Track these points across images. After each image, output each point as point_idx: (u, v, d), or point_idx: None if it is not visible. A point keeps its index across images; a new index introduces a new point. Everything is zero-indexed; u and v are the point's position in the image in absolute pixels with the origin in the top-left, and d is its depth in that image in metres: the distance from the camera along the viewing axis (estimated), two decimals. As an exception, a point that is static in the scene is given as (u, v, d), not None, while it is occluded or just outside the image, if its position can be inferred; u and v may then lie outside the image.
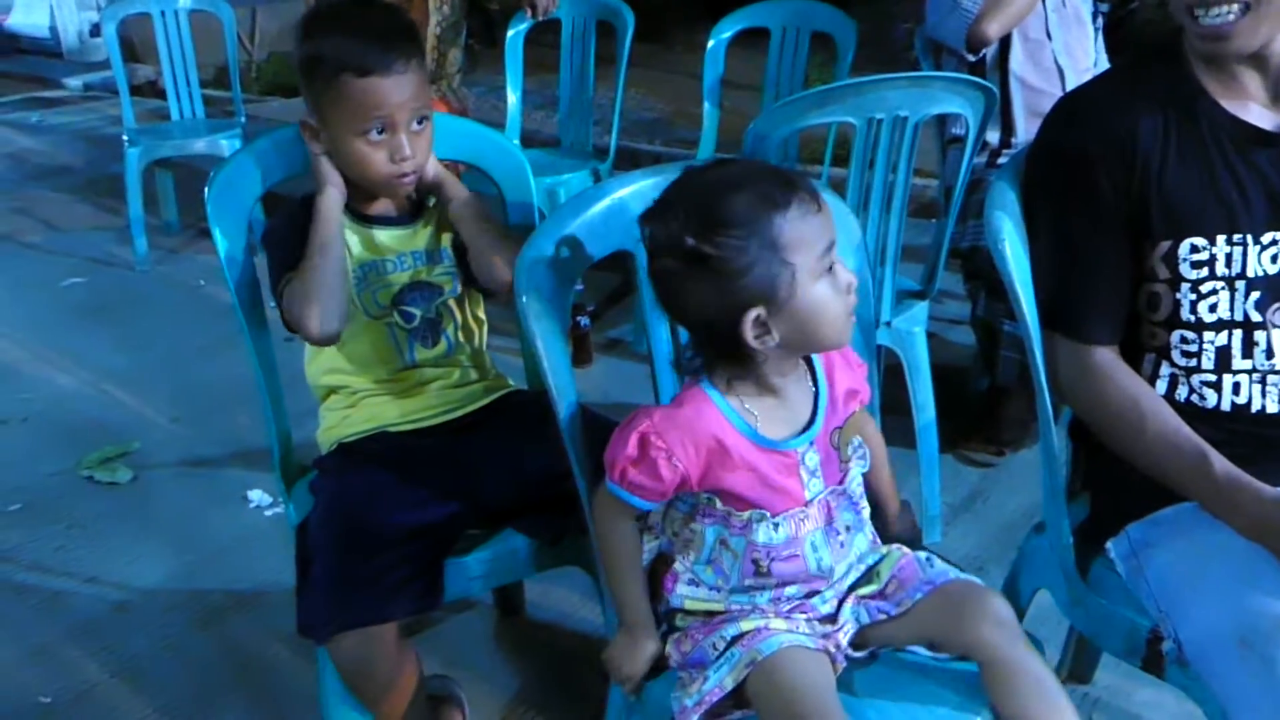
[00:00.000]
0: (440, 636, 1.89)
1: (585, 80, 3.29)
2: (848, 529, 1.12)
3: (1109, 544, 1.25)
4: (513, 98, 3.43)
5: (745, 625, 1.08)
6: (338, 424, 1.49)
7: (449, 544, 1.39)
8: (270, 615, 1.94)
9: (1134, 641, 1.21)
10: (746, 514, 1.07)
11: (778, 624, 1.08)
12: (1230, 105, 1.17)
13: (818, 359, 1.12)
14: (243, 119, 4.05)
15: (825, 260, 1.01)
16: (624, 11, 3.14)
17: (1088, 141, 1.19)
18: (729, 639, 1.07)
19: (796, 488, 1.07)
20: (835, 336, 1.04)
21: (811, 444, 1.08)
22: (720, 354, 1.05)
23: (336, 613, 1.29)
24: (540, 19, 3.21)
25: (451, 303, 1.52)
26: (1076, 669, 1.73)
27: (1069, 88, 2.34)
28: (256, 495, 2.34)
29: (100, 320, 3.40)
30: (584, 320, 2.91)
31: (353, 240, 1.45)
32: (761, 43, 3.08)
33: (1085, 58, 2.43)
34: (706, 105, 3.10)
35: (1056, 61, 2.38)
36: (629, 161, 4.77)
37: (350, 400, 1.50)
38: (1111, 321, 1.23)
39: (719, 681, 1.04)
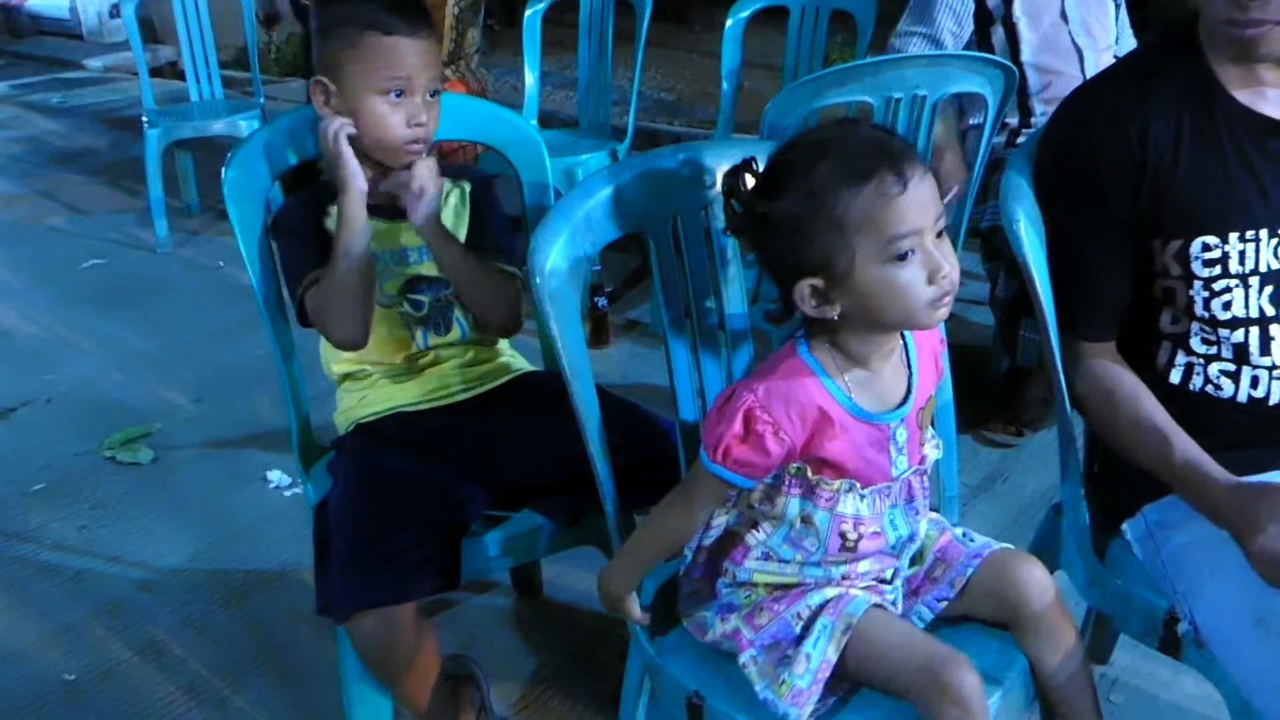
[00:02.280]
0: (459, 617, 1.91)
1: (603, 60, 3.28)
2: (917, 513, 1.12)
3: (1125, 525, 1.25)
4: (530, 78, 3.43)
5: (829, 592, 1.07)
6: (355, 405, 1.50)
7: (466, 524, 1.40)
8: (291, 595, 1.96)
9: (1151, 622, 1.20)
10: (837, 484, 1.05)
11: (855, 591, 1.08)
12: (1245, 97, 1.15)
13: (909, 336, 1.10)
14: (261, 100, 4.06)
15: (902, 244, 0.96)
16: (642, -10, 3.12)
17: (1097, 150, 1.17)
18: (814, 608, 1.06)
19: (885, 463, 1.06)
20: (905, 320, 1.01)
21: (903, 420, 1.07)
22: (794, 314, 1.05)
23: (355, 593, 1.30)
24: (559, -2, 3.19)
25: None
26: (1095, 650, 1.72)
27: (1088, 68, 2.33)
28: (276, 476, 2.36)
29: (121, 302, 3.43)
30: (602, 301, 2.91)
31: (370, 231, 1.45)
32: (781, 22, 3.05)
33: (1106, 35, 2.39)
34: (725, 86, 3.09)
35: (1075, 42, 2.34)
36: (648, 142, 4.74)
37: (366, 383, 1.51)
38: (1106, 320, 1.23)
39: (823, 654, 1.03)
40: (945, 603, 1.13)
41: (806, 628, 1.05)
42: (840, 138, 0.99)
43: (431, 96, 1.43)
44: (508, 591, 1.99)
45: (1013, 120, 2.41)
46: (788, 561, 1.10)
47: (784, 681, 1.03)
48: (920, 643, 1.03)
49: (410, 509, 1.34)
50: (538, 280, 1.14)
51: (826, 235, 0.97)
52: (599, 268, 2.93)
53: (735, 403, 1.03)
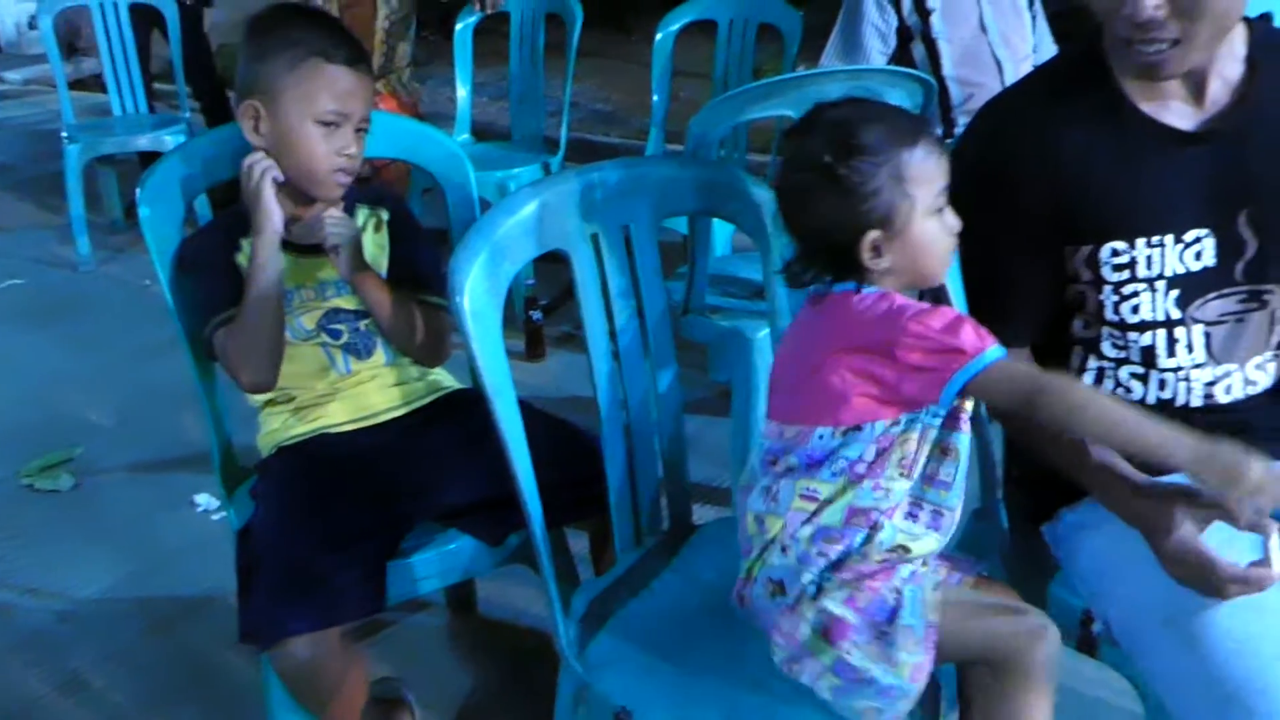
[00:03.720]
0: (392, 637, 1.89)
1: (535, 73, 3.28)
2: None
3: (1044, 528, 1.27)
4: (462, 91, 3.41)
5: (909, 568, 1.07)
6: (278, 428, 1.48)
7: (393, 545, 1.39)
8: (220, 621, 1.91)
9: (1068, 623, 1.23)
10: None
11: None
12: (1150, 108, 1.18)
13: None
14: (187, 114, 3.99)
15: (940, 199, 1.07)
16: (572, 4, 3.13)
17: (1009, 161, 1.20)
18: (905, 579, 1.05)
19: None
20: (938, 271, 1.11)
21: None
22: (832, 268, 1.10)
23: (279, 619, 1.28)
24: (490, 12, 3.19)
25: None
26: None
27: (1008, 78, 2.38)
28: (204, 499, 2.32)
29: (42, 322, 3.33)
30: (536, 315, 2.90)
31: (284, 266, 1.43)
32: (715, 32, 3.08)
33: (1024, 45, 2.45)
34: (656, 98, 3.10)
35: (994, 54, 2.40)
36: (585, 153, 4.75)
37: (289, 406, 1.49)
38: (1023, 326, 1.25)
39: (926, 621, 1.02)
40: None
41: (899, 602, 1.04)
42: (879, 109, 1.10)
43: (359, 133, 1.43)
44: (442, 611, 1.97)
45: (937, 132, 2.45)
46: (929, 523, 1.07)
47: (901, 662, 1.02)
48: (1004, 610, 1.09)
49: (335, 532, 1.32)
50: (457, 299, 1.14)
51: (890, 190, 1.04)
52: (533, 281, 2.92)
53: (924, 317, 1.01)
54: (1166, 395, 1.22)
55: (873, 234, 1.05)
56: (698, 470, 2.38)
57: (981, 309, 1.24)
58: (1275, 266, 1.18)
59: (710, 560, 1.35)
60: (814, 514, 1.05)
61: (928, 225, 1.07)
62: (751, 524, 1.11)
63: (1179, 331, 1.20)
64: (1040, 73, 1.31)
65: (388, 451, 1.45)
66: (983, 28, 2.41)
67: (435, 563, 1.41)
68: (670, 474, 1.39)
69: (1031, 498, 1.31)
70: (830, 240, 1.07)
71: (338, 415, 1.48)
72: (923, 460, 1.06)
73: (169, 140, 3.76)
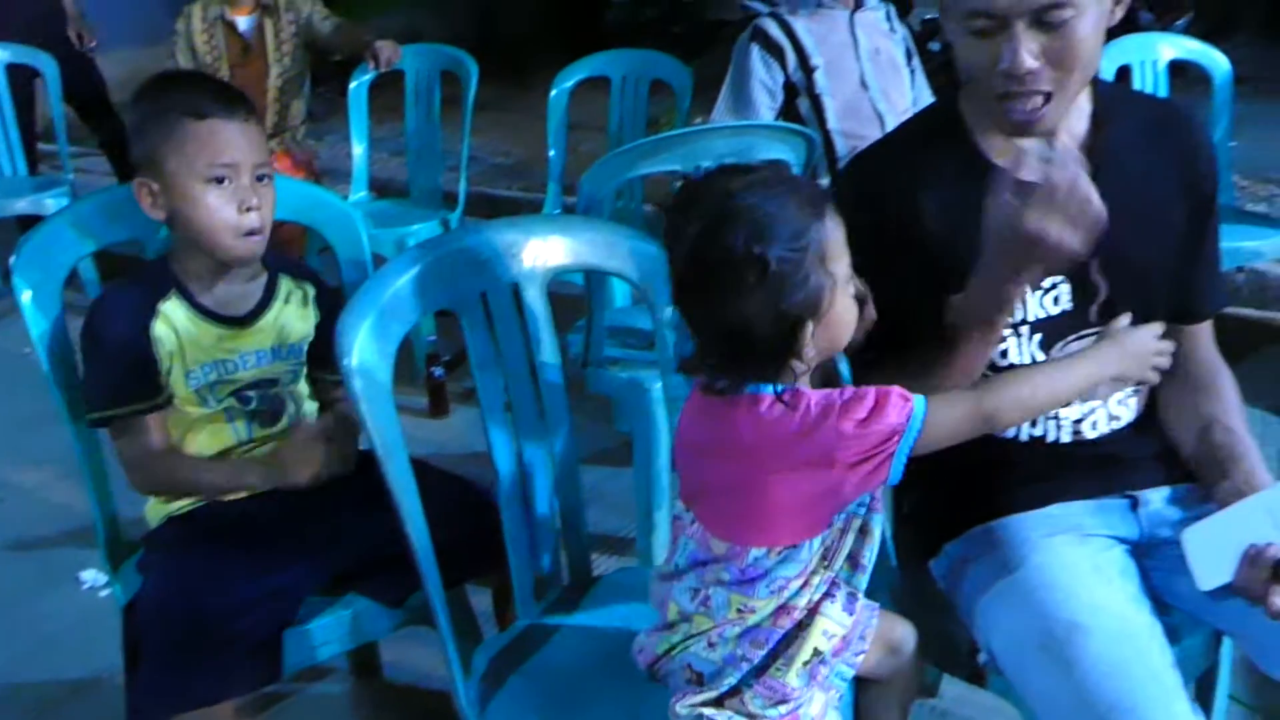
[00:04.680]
0: (292, 708, 1.84)
1: (432, 130, 3.29)
2: None
3: (931, 564, 1.31)
4: (359, 148, 3.40)
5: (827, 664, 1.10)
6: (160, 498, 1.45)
7: (289, 613, 1.36)
8: (109, 703, 1.81)
9: (958, 655, 1.27)
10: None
11: None
12: (1007, 163, 1.23)
13: None
14: (70, 176, 3.88)
15: (849, 268, 1.02)
16: (467, 62, 3.16)
17: (874, 220, 1.20)
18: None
19: None
20: (847, 342, 1.05)
21: None
22: (750, 367, 1.00)
23: (167, 696, 1.24)
24: (384, 70, 3.20)
25: (293, 387, 1.51)
26: (924, 684, 1.80)
27: (889, 130, 2.48)
28: (90, 575, 2.23)
29: (-85, 395, 3.18)
30: (438, 371, 2.88)
31: (200, 337, 1.42)
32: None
33: (903, 99, 2.56)
34: (552, 152, 3.15)
35: (876, 108, 2.50)
36: (486, 207, 4.76)
37: (179, 474, 1.46)
38: (893, 364, 1.29)
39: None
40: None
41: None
42: (775, 178, 1.00)
43: (261, 181, 1.40)
44: (345, 676, 1.92)
45: (825, 182, 2.54)
46: (846, 595, 1.09)
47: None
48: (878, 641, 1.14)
49: (226, 603, 1.29)
50: (345, 361, 1.14)
51: (816, 272, 0.97)
52: (434, 337, 2.91)
53: (843, 421, 0.98)
54: (1038, 433, 1.28)
55: (809, 324, 0.98)
56: (604, 521, 2.40)
57: (865, 346, 1.27)
58: (1124, 308, 1.25)
59: (611, 613, 1.35)
60: (745, 620, 1.07)
61: (847, 300, 1.01)
62: (674, 612, 1.10)
63: None
64: (901, 131, 1.36)
65: (282, 516, 1.42)
66: (864, 84, 2.52)
67: (334, 628, 1.39)
68: (568, 527, 1.40)
69: (919, 534, 1.35)
70: (754, 337, 0.98)
71: (229, 483, 1.45)
72: (847, 548, 1.08)
73: (50, 204, 3.64)
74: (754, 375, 1.00)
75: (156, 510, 1.45)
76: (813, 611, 1.06)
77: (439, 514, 1.24)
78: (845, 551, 1.07)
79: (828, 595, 1.07)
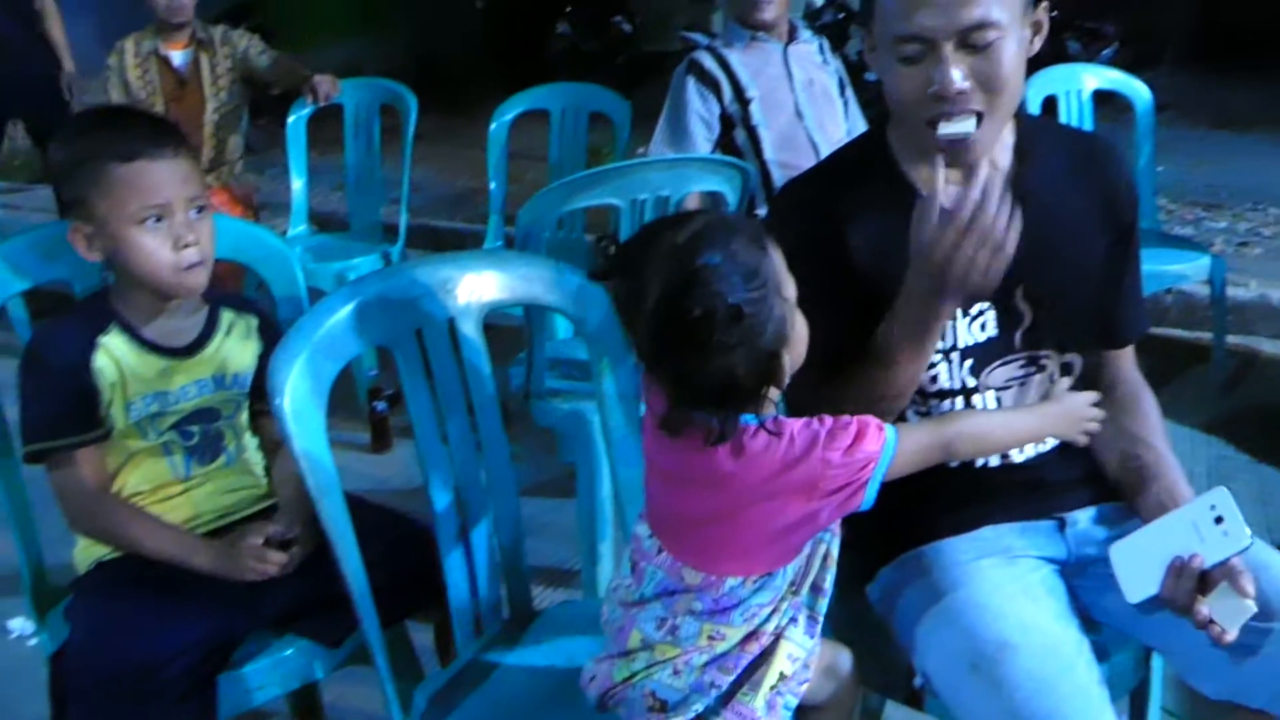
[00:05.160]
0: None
1: (372, 164, 3.29)
2: None
3: (868, 589, 1.33)
4: (298, 183, 3.38)
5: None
6: (96, 541, 1.42)
7: (224, 657, 1.34)
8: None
9: (895, 679, 1.29)
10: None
11: None
12: (933, 192, 1.25)
13: None
14: (-1, 213, 3.81)
15: (793, 288, 1.04)
16: (406, 96, 3.17)
17: (803, 247, 1.19)
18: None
19: None
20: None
21: None
22: (729, 406, 1.00)
23: (98, 747, 1.21)
24: (322, 104, 3.19)
25: (235, 420, 1.50)
26: (867, 709, 1.81)
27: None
28: (19, 624, 2.16)
29: None
30: (380, 405, 2.86)
31: (141, 369, 1.40)
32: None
33: (837, 130, 2.61)
34: (493, 185, 3.16)
35: (811, 138, 2.55)
36: (430, 239, 4.75)
37: (108, 517, 1.43)
38: (829, 391, 1.31)
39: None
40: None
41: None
42: (716, 222, 1.02)
43: (198, 214, 1.38)
44: (286, 719, 1.89)
45: (762, 211, 2.58)
46: (807, 619, 1.12)
47: None
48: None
49: (156, 649, 1.26)
50: (277, 401, 1.13)
51: (779, 304, 1.00)
52: (375, 371, 2.90)
53: (828, 451, 1.01)
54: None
55: (783, 353, 1.01)
56: (549, 553, 2.40)
57: (800, 371, 1.29)
58: (1048, 334, 1.29)
59: (553, 647, 1.35)
60: (714, 647, 1.07)
61: (800, 318, 1.04)
62: (636, 640, 1.10)
63: (975, 398, 1.29)
64: (831, 161, 1.39)
65: (216, 559, 1.40)
66: (799, 115, 2.56)
67: (270, 671, 1.37)
68: (508, 561, 1.40)
69: (855, 560, 1.36)
70: (737, 380, 0.99)
71: (164, 524, 1.43)
72: (814, 574, 1.10)
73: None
74: (737, 411, 1.02)
75: (85, 555, 1.42)
76: (778, 636, 1.08)
77: (377, 551, 1.24)
78: (812, 577, 1.09)
79: (792, 619, 1.09)
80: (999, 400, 1.29)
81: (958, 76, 1.13)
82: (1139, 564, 1.14)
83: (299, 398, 1.14)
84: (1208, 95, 6.22)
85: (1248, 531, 1.09)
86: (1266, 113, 5.73)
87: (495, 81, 5.69)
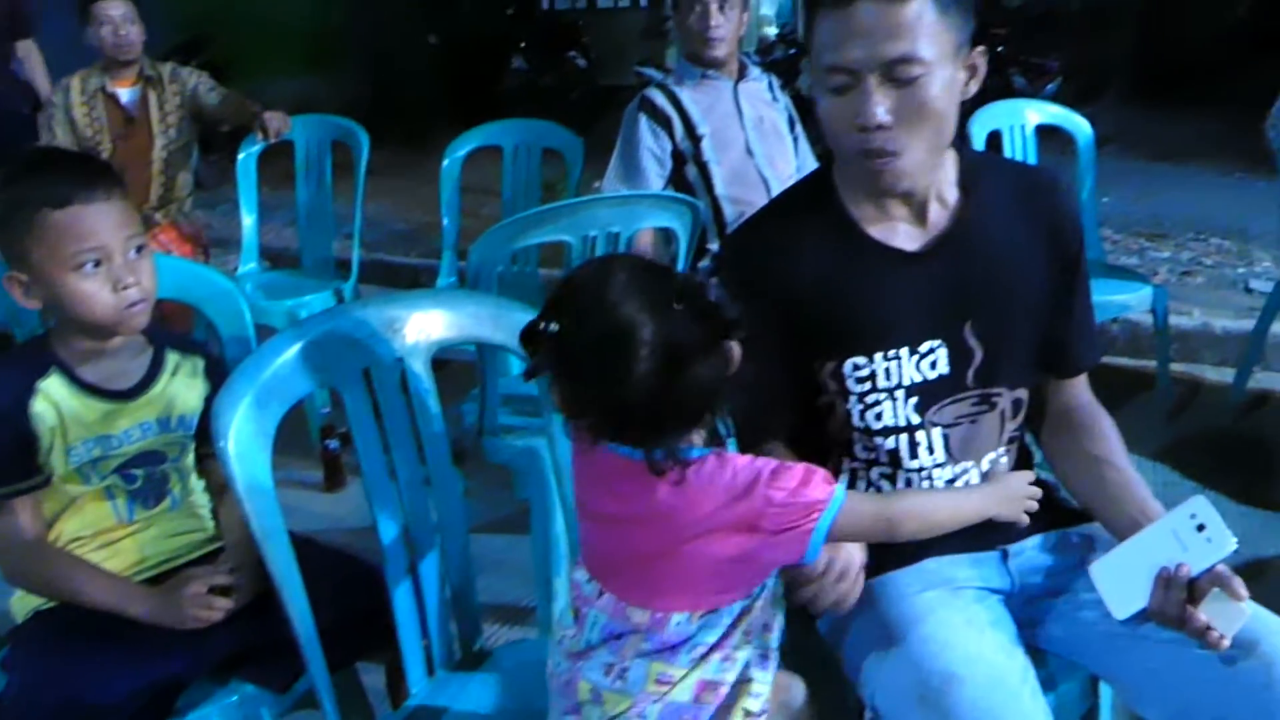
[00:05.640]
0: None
1: (324, 200, 3.27)
2: None
3: (818, 623, 1.34)
4: (248, 219, 3.35)
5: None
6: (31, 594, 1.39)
7: (169, 704, 1.31)
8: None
9: (846, 712, 1.29)
10: None
11: None
12: (878, 232, 1.28)
13: None
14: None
15: None
16: (358, 132, 3.16)
17: (753, 288, 1.24)
18: None
19: None
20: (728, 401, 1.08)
21: None
22: (679, 435, 1.02)
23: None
24: (273, 140, 3.18)
25: (181, 463, 1.48)
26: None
27: (774, 195, 2.57)
28: (-42, 673, 2.10)
29: None
30: (333, 444, 2.83)
31: (82, 413, 1.38)
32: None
33: (787, 166, 2.65)
34: (445, 221, 3.16)
35: (761, 174, 2.58)
36: (383, 275, 4.73)
37: (46, 564, 1.40)
38: (780, 428, 1.33)
39: None
40: None
41: None
42: (603, 266, 1.05)
43: (137, 254, 1.36)
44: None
45: (714, 246, 2.60)
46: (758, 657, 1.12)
47: None
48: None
49: (98, 698, 1.24)
50: (221, 444, 1.12)
51: (708, 336, 1.02)
52: (328, 409, 2.87)
53: (771, 489, 1.02)
54: None
55: (718, 386, 1.03)
56: (505, 590, 2.38)
57: (744, 411, 1.30)
58: (1001, 371, 1.30)
59: (505, 689, 1.34)
60: (665, 694, 1.06)
61: (737, 354, 1.05)
62: (585, 691, 1.09)
63: (920, 435, 1.30)
64: (777, 201, 1.41)
65: (160, 604, 1.38)
66: (749, 151, 2.59)
67: (216, 717, 1.34)
68: (459, 600, 1.39)
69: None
70: (712, 395, 1.02)
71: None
72: (764, 619, 1.10)
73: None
74: (674, 441, 1.02)
75: (22, 603, 1.39)
76: (741, 683, 1.08)
77: (325, 593, 1.22)
78: (763, 622, 1.09)
79: (747, 666, 1.09)
80: (945, 438, 1.31)
81: (879, 109, 1.16)
82: (1123, 580, 1.14)
83: (243, 440, 1.13)
84: (1150, 128, 6.39)
85: (1231, 535, 1.09)
86: (1205, 145, 5.89)
87: (451, 116, 5.71)
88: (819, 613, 1.12)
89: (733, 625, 1.07)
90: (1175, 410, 3.26)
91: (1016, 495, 1.25)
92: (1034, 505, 1.26)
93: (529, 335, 1.02)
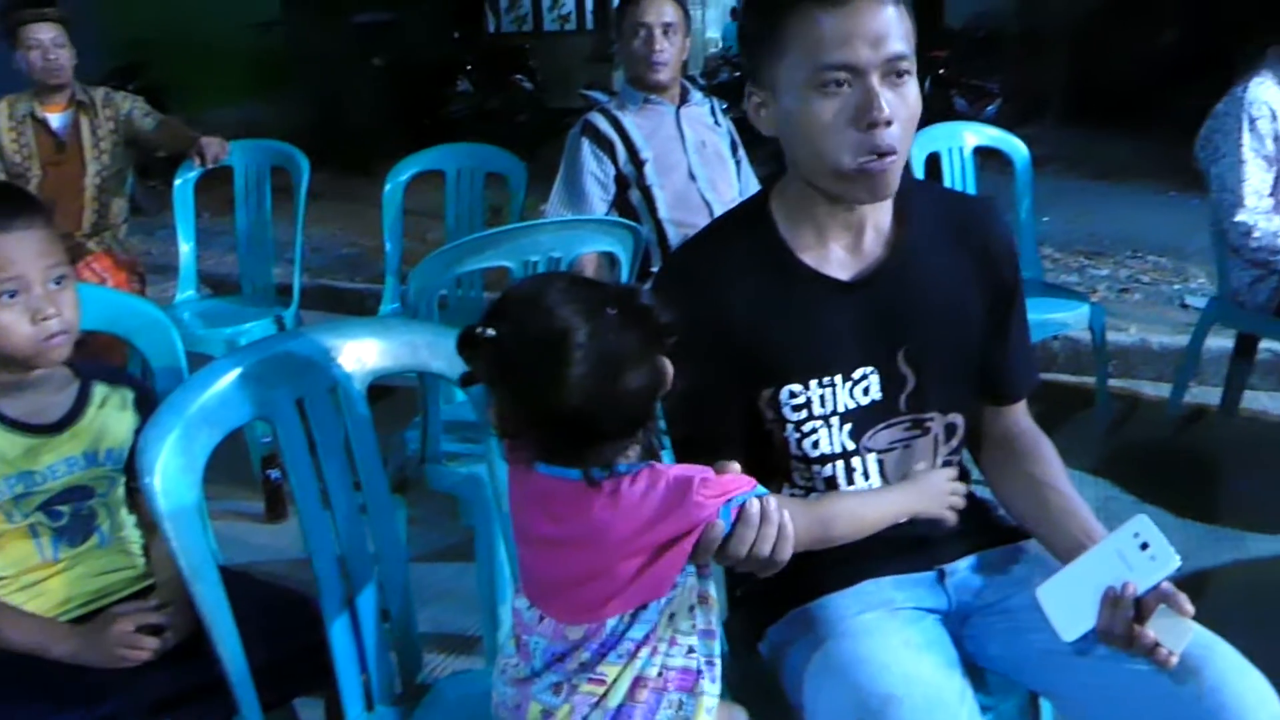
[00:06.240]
0: None
1: (263, 226, 3.23)
2: None
3: (760, 647, 1.33)
4: (185, 247, 3.29)
5: None
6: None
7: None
8: None
9: (791, 738, 1.28)
10: None
11: None
12: (812, 260, 1.28)
13: None
14: None
15: None
16: (298, 157, 3.13)
17: (690, 313, 1.18)
18: None
19: None
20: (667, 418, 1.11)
21: None
22: (624, 438, 1.03)
23: None
24: (210, 166, 3.13)
25: (109, 498, 1.44)
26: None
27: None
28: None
29: None
30: (274, 473, 2.78)
31: (4, 449, 1.35)
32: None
33: (729, 189, 2.67)
34: (388, 246, 3.13)
35: (704, 197, 2.60)
36: (329, 300, 4.68)
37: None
38: (724, 453, 1.32)
39: None
40: None
41: None
42: (534, 288, 1.06)
43: (57, 284, 1.34)
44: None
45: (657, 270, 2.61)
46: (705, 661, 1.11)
47: None
48: None
49: (19, 746, 1.20)
50: (147, 479, 1.10)
51: (637, 348, 1.03)
52: (269, 439, 2.82)
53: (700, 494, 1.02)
54: None
55: (648, 400, 1.04)
56: (451, 620, 2.35)
57: (686, 438, 1.30)
58: (933, 397, 1.31)
59: (444, 720, 1.32)
60: (602, 697, 1.05)
61: (668, 369, 1.06)
62: (536, 713, 1.08)
63: (855, 461, 1.30)
64: (714, 227, 1.40)
65: (89, 644, 1.34)
66: (692, 175, 2.62)
67: (147, 763, 1.31)
68: (399, 632, 1.37)
69: (748, 619, 1.37)
70: (635, 411, 1.03)
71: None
72: (686, 604, 1.08)
73: None
74: (610, 453, 1.02)
75: (-57, 648, 1.34)
76: (692, 685, 1.07)
77: (258, 630, 1.20)
78: (686, 605, 1.08)
79: (699, 673, 1.08)
80: (880, 463, 1.31)
81: (886, 105, 1.16)
82: (1070, 601, 1.15)
83: (170, 474, 1.10)
84: (1088, 148, 6.55)
85: (1175, 552, 1.10)
86: (1141, 165, 6.05)
87: (397, 140, 5.69)
88: (761, 570, 1.07)
89: (659, 615, 1.06)
90: (1114, 425, 3.33)
91: (939, 492, 1.27)
92: (959, 501, 1.28)
93: (466, 341, 1.01)
